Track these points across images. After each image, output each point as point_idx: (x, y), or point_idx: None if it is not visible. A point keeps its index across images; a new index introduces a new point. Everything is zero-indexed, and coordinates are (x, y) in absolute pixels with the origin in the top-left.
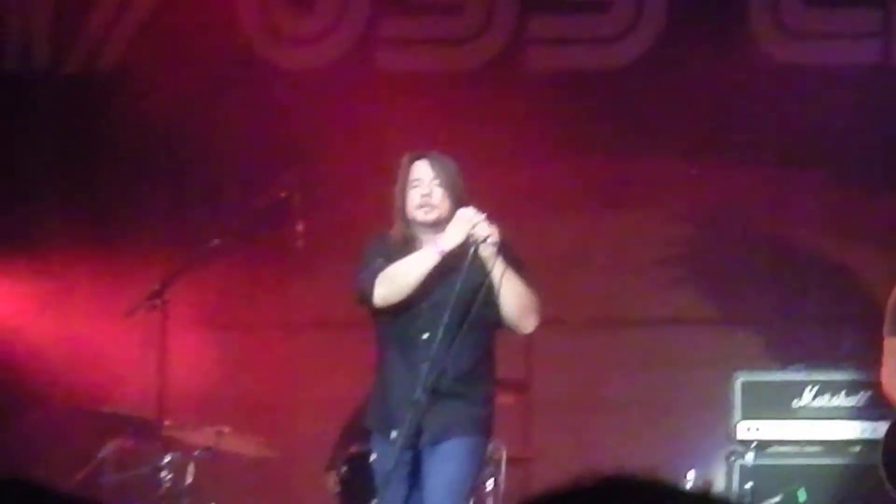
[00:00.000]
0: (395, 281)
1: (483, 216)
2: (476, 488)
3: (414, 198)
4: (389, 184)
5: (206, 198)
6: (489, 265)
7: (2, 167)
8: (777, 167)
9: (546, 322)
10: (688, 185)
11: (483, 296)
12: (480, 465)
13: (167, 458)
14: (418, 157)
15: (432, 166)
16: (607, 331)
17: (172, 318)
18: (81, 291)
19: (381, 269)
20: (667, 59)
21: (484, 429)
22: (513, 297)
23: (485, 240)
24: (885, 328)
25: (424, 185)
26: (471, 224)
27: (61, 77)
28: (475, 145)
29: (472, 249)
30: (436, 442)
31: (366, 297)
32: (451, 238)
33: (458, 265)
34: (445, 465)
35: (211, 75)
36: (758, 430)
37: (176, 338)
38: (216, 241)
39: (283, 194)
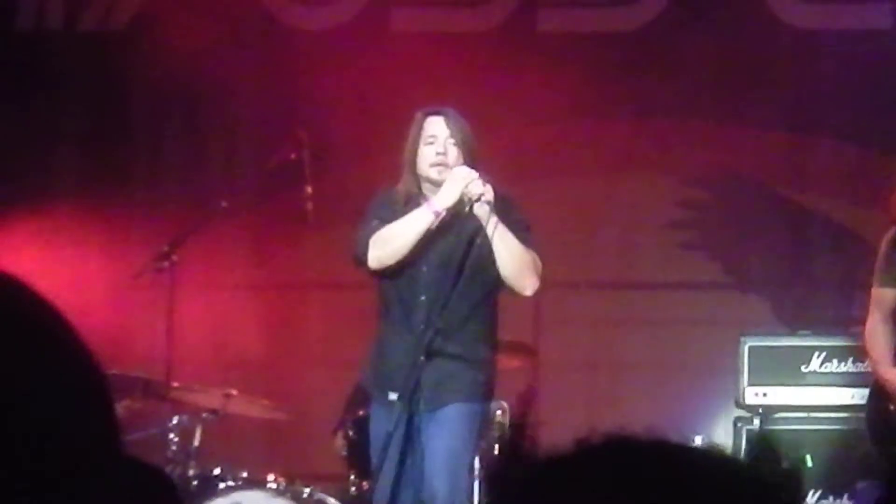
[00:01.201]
0: (389, 242)
1: (476, 175)
2: (485, 453)
3: (428, 155)
4: (400, 145)
5: (217, 158)
6: (484, 224)
7: (16, 127)
8: (790, 131)
9: (556, 284)
10: (700, 148)
11: (477, 255)
12: (480, 431)
13: (175, 420)
14: (433, 114)
15: (448, 124)
16: (617, 293)
17: (181, 279)
18: (92, 252)
19: (376, 230)
20: (680, 20)
21: (483, 394)
22: (508, 256)
23: (479, 198)
24: (874, 278)
25: (440, 143)
26: (464, 183)
27: (76, 35)
28: (487, 107)
29: (466, 208)
30: (434, 408)
31: (360, 259)
32: (445, 197)
33: (457, 226)
34: (444, 431)
35: (224, 34)
36: (765, 395)
37: (184, 299)
38: (224, 203)
39: (292, 155)
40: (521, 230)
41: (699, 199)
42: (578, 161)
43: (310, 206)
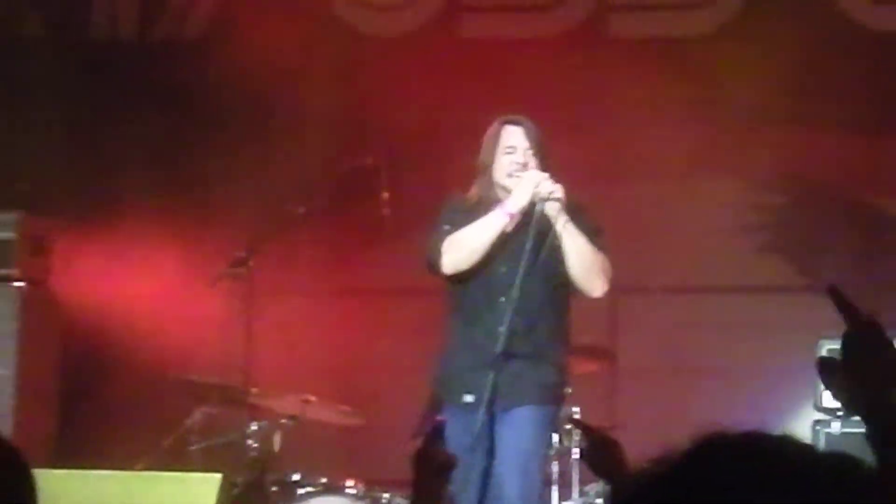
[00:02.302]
0: (464, 246)
1: (546, 175)
2: (563, 456)
3: (507, 165)
4: (474, 151)
5: (291, 165)
6: (554, 222)
7: (90, 135)
8: (863, 133)
9: (631, 289)
10: (773, 151)
11: (548, 255)
12: (552, 433)
13: (254, 426)
14: (511, 123)
15: (527, 134)
16: (692, 298)
17: (258, 285)
18: (169, 260)
19: (448, 234)
20: (752, 23)
21: (555, 397)
22: (577, 256)
23: (549, 197)
24: None
25: (519, 154)
26: (534, 184)
27: (148, 45)
28: (559, 113)
29: (538, 208)
30: (507, 408)
31: (433, 264)
32: (517, 199)
33: (530, 226)
34: (517, 433)
35: (296, 42)
36: None
37: (261, 305)
38: (302, 209)
39: (368, 161)
40: (593, 233)
41: (773, 203)
42: (652, 165)
43: (386, 211)
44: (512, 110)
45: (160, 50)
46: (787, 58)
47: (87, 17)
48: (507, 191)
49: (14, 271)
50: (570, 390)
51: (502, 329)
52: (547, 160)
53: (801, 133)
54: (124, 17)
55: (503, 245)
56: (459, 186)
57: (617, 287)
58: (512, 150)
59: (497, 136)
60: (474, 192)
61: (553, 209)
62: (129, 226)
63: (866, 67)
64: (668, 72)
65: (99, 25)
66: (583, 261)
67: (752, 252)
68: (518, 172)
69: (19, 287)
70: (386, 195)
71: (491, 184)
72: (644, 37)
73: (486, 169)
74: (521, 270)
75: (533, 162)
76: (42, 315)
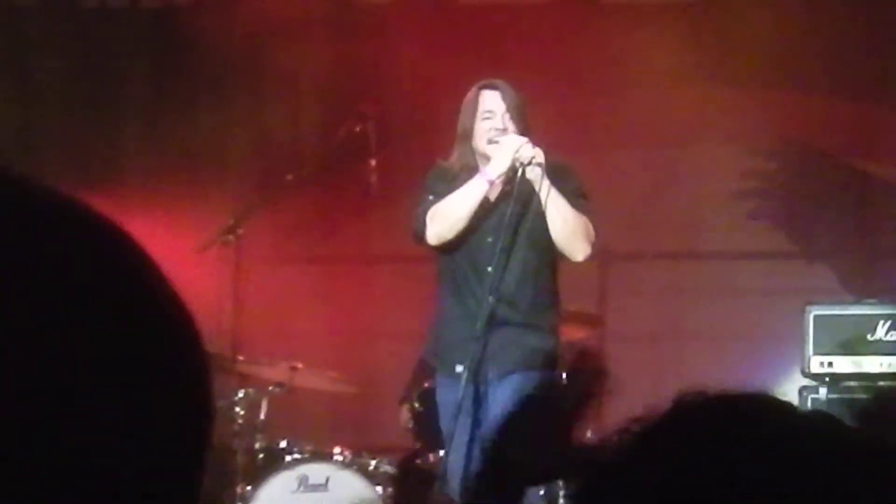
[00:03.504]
0: (447, 216)
1: (526, 140)
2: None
3: (486, 131)
4: None
5: (281, 132)
6: (536, 188)
7: (82, 103)
8: (857, 100)
9: (622, 255)
10: (766, 117)
11: (532, 220)
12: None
13: (241, 394)
14: (489, 87)
15: (504, 98)
16: (683, 263)
17: (246, 252)
18: (157, 226)
19: (432, 205)
20: None
21: (549, 362)
22: (559, 219)
23: (530, 162)
24: None
25: (497, 119)
26: (514, 149)
27: (140, 11)
28: (551, 78)
29: (518, 173)
30: (501, 376)
31: (419, 235)
32: (497, 165)
33: (514, 193)
34: (511, 399)
35: (288, 7)
36: (830, 364)
37: (250, 273)
38: (290, 176)
39: (357, 128)
40: (577, 196)
41: (765, 169)
42: (644, 131)
43: (374, 178)
44: (505, 76)
45: (151, 17)
46: (782, 22)
47: None
48: (488, 157)
49: None
50: None
51: (491, 299)
52: (527, 124)
53: (795, 99)
54: None
55: (488, 214)
56: (450, 152)
57: (607, 253)
58: (490, 114)
59: (475, 101)
60: (455, 159)
61: (534, 174)
62: (117, 193)
63: (858, 33)
64: (659, 37)
65: None
66: (565, 225)
67: (742, 218)
68: (497, 137)
69: None
70: (374, 162)
71: (471, 150)
72: (635, 2)
73: (466, 135)
74: (504, 237)
75: (512, 126)
76: None
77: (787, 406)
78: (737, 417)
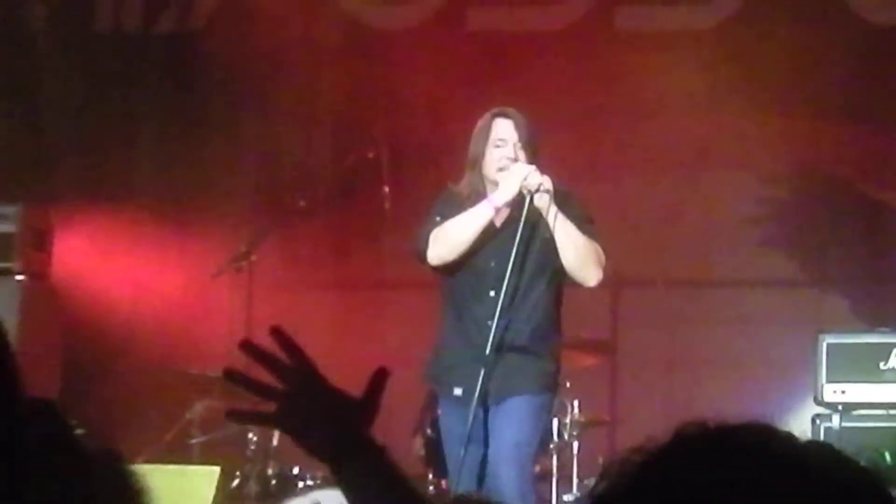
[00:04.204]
0: (449, 239)
1: (534, 167)
2: (562, 449)
3: (498, 159)
4: None
5: (294, 158)
6: (545, 214)
7: (95, 126)
8: (867, 128)
9: (633, 282)
10: (778, 144)
11: (540, 246)
12: (546, 423)
13: None
14: (502, 115)
15: (516, 127)
16: (694, 291)
17: (258, 279)
18: (171, 253)
19: (437, 226)
20: (757, 17)
21: (549, 385)
22: (570, 246)
23: (538, 189)
24: None
25: (509, 147)
26: (522, 176)
27: (153, 36)
28: (563, 105)
29: (527, 200)
30: (501, 399)
31: (420, 255)
32: (504, 192)
33: (519, 219)
34: (510, 423)
35: (300, 35)
36: (843, 392)
37: (262, 298)
38: (303, 202)
39: (370, 154)
40: (583, 222)
41: (777, 197)
42: (656, 158)
43: (387, 205)
44: (516, 103)
45: (164, 42)
46: (791, 51)
47: (92, 8)
48: (497, 184)
49: (15, 264)
50: (567, 384)
51: (491, 323)
52: (537, 153)
53: (807, 126)
54: (129, 8)
55: (492, 239)
56: (460, 180)
57: (619, 280)
58: (502, 143)
59: (487, 128)
60: (465, 185)
61: (543, 201)
62: (131, 219)
63: (870, 61)
64: (672, 65)
65: (103, 18)
66: (577, 251)
67: (754, 245)
68: (508, 166)
69: (20, 280)
70: (387, 189)
71: (481, 177)
72: (648, 30)
73: (476, 162)
74: (511, 264)
75: (522, 155)
76: (43, 309)
77: (785, 436)
78: (736, 448)
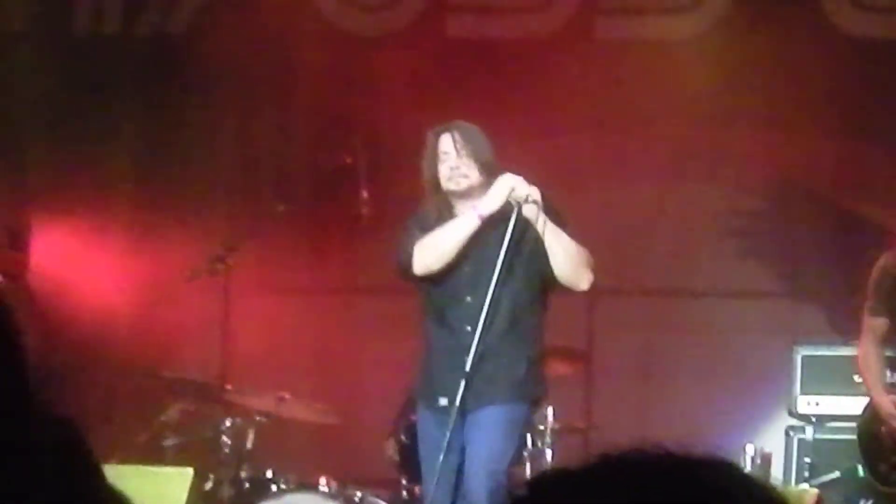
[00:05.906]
0: (436, 248)
1: (521, 178)
2: (536, 457)
3: (444, 171)
4: None
5: (271, 162)
6: (534, 223)
7: (72, 130)
8: (842, 140)
9: (608, 292)
10: (754, 156)
11: (529, 254)
12: (522, 430)
13: (228, 423)
14: (442, 131)
15: (457, 138)
16: (670, 301)
17: (235, 282)
18: (146, 256)
19: (419, 238)
20: (736, 28)
21: (525, 394)
22: (563, 253)
23: (526, 199)
24: (865, 305)
25: (452, 158)
26: (509, 187)
27: (133, 38)
28: (541, 114)
29: (515, 210)
30: (477, 407)
31: (404, 267)
32: (490, 202)
33: (501, 228)
34: (485, 433)
35: (279, 40)
36: (818, 404)
37: (238, 302)
38: (281, 207)
39: (348, 160)
40: (562, 225)
41: (752, 208)
42: (632, 168)
43: (365, 210)
44: (494, 111)
45: (143, 44)
46: (770, 63)
47: (71, 11)
48: (456, 195)
49: None
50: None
51: (470, 329)
52: (486, 158)
53: (783, 138)
54: (108, 11)
55: (468, 247)
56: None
57: (594, 289)
58: (446, 156)
59: (434, 147)
60: (431, 207)
61: (531, 212)
62: (107, 221)
63: (847, 73)
64: (651, 75)
65: (83, 20)
66: (569, 257)
67: (730, 256)
68: (457, 177)
69: None
70: (365, 194)
71: (442, 194)
72: (628, 40)
73: (434, 182)
74: (490, 271)
75: (467, 163)
76: (18, 310)
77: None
78: (652, 486)
